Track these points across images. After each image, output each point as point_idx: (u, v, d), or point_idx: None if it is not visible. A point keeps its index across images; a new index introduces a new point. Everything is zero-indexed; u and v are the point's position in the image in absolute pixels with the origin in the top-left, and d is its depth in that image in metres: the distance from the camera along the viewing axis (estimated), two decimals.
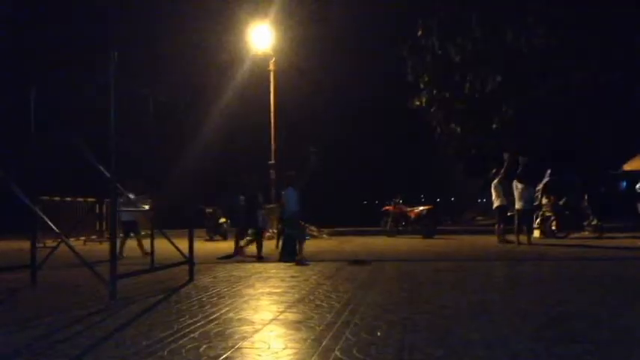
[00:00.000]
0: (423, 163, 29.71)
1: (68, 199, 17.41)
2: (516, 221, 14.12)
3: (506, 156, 14.79)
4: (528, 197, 14.27)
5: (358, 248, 13.55)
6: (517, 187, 14.17)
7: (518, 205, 14.13)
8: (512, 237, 14.22)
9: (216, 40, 23.67)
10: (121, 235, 12.05)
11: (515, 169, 14.51)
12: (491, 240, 15.07)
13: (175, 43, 24.58)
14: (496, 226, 15.00)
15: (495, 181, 14.65)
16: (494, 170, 15.00)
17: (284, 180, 11.95)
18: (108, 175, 6.61)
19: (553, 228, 16.07)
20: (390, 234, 19.00)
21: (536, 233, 16.07)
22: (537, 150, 21.95)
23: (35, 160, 8.23)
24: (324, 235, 19.22)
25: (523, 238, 13.89)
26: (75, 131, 7.24)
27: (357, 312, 5.42)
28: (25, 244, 8.91)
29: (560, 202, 16.22)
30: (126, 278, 7.07)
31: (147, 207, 10.69)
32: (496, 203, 14.59)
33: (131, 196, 10.19)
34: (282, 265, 9.97)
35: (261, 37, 20.30)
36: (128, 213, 11.73)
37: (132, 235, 12.36)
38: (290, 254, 10.71)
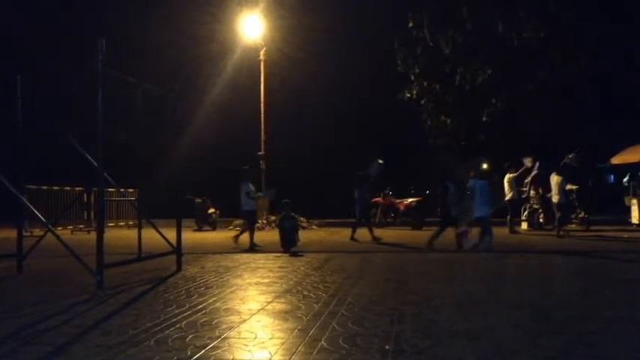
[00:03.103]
0: (413, 154, 29.74)
1: (56, 188, 17.29)
2: (558, 214, 14.18)
3: (526, 160, 15.13)
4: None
5: (347, 239, 13.56)
6: (556, 180, 14.14)
7: (556, 199, 14.15)
8: (520, 228, 15.07)
9: (206, 29, 23.47)
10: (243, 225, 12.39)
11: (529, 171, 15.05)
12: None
13: (165, 32, 24.37)
14: (508, 218, 15.30)
15: (511, 175, 15.06)
16: (507, 164, 15.41)
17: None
18: (95, 164, 6.57)
19: (540, 220, 16.19)
20: (379, 225, 19.04)
21: (524, 225, 16.19)
22: (526, 143, 22.06)
23: (22, 149, 8.16)
24: (314, 227, 19.24)
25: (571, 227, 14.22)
26: (62, 120, 7.18)
27: (344, 303, 5.44)
28: (12, 233, 8.85)
29: (548, 195, 16.32)
30: (113, 268, 7.05)
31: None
32: (508, 196, 14.97)
33: (252, 187, 11.08)
34: (270, 255, 9.97)
35: (251, 27, 20.18)
36: (251, 203, 11.85)
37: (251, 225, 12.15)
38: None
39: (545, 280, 7.29)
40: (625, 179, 14.49)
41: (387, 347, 3.84)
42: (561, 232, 13.75)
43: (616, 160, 18.18)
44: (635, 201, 16.36)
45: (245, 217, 12.26)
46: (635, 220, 16.22)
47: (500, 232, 15.23)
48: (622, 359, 3.64)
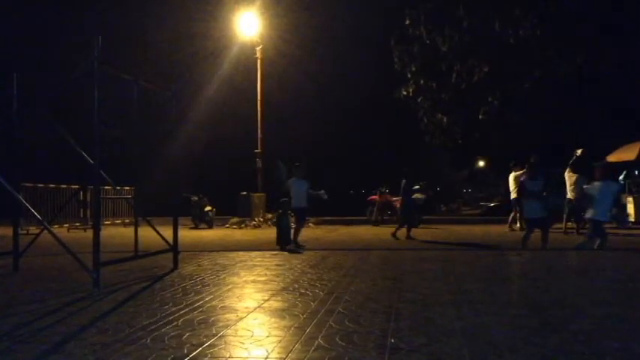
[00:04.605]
0: (410, 153, 29.77)
1: (52, 185, 17.25)
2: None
3: (533, 158, 15.17)
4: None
5: (344, 237, 13.59)
6: (570, 177, 14.05)
7: (571, 196, 14.10)
8: (516, 226, 15.08)
9: (203, 27, 23.44)
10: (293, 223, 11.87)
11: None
12: (476, 229, 15.20)
13: (161, 30, 24.33)
14: (511, 215, 15.53)
15: (517, 173, 15.11)
16: (513, 162, 15.45)
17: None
18: (91, 161, 6.55)
19: None
20: (375, 223, 19.09)
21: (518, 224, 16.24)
22: (522, 142, 22.13)
23: (18, 147, 8.13)
24: (311, 224, 19.25)
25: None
26: (58, 117, 7.16)
27: (341, 300, 5.45)
28: (8, 231, 8.83)
29: (544, 194, 16.38)
30: (109, 265, 7.04)
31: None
32: (513, 195, 15.09)
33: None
34: (267, 253, 9.97)
35: (248, 25, 20.16)
36: (303, 200, 11.43)
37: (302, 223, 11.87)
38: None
39: (541, 278, 7.30)
40: (620, 177, 14.54)
41: (392, 340, 3.86)
42: (580, 230, 13.84)
43: (611, 158, 18.24)
44: (630, 199, 16.43)
45: (297, 214, 11.74)
46: (630, 218, 16.28)
47: (496, 229, 15.33)
48: (617, 356, 3.65)
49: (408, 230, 13.51)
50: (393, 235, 13.34)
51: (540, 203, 10.47)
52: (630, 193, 16.59)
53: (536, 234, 10.60)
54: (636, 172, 17.80)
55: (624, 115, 22.72)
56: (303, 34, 24.06)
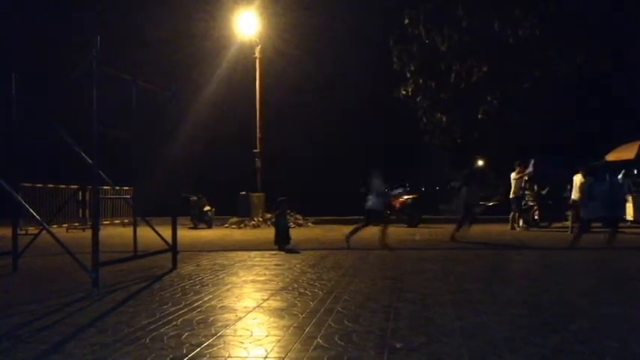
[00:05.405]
0: (410, 152, 29.80)
1: (50, 185, 17.23)
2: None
3: (532, 161, 15.33)
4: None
5: (343, 237, 13.54)
6: (578, 180, 13.96)
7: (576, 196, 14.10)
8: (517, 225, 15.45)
9: (202, 26, 23.44)
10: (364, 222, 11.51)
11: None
12: (475, 229, 15.18)
13: (160, 29, 24.32)
14: (511, 214, 15.80)
15: (515, 174, 15.47)
16: (517, 162, 15.72)
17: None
18: (90, 161, 6.54)
19: (536, 217, 16.27)
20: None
21: (520, 222, 16.25)
22: (522, 142, 22.14)
23: (17, 147, 8.12)
24: (310, 224, 19.25)
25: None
26: (58, 117, 7.15)
27: (340, 300, 5.44)
28: (7, 231, 8.82)
29: (544, 192, 16.40)
30: (108, 266, 7.03)
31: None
32: (512, 195, 15.54)
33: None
34: (266, 253, 9.97)
35: (246, 24, 20.15)
36: (378, 202, 11.11)
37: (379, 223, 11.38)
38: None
39: (541, 277, 7.31)
40: (619, 176, 14.50)
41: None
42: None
43: (610, 157, 18.22)
44: (629, 198, 16.40)
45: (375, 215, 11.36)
46: (629, 217, 16.27)
47: (496, 229, 15.32)
48: (616, 356, 3.65)
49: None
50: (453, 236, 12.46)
51: (604, 204, 10.42)
52: (630, 192, 16.55)
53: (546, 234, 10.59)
54: (635, 171, 17.75)
55: (624, 115, 22.73)
56: (302, 33, 24.04)
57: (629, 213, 16.35)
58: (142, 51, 22.95)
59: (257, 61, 20.49)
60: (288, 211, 11.55)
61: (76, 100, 7.31)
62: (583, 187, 13.07)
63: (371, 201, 11.03)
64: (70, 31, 22.61)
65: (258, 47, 20.54)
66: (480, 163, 28.74)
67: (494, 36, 22.23)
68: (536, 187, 16.38)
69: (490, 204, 22.65)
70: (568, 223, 15.84)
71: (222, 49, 22.06)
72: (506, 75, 22.71)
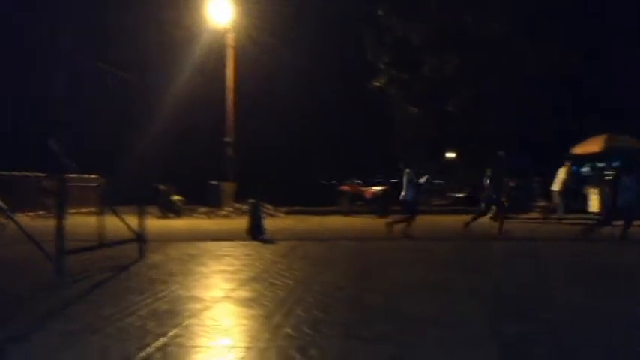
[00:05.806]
0: (382, 144, 29.88)
1: (16, 174, 16.83)
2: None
3: (501, 154, 15.32)
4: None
5: (314, 227, 13.59)
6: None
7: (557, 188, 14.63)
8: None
9: (172, 14, 22.98)
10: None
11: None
12: (446, 220, 15.37)
13: (128, 16, 23.74)
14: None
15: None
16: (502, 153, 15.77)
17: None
18: (55, 149, 6.39)
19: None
20: (345, 213, 19.13)
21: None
22: (492, 135, 22.38)
23: None
24: (281, 214, 19.19)
25: None
26: (25, 104, 6.97)
27: (309, 290, 5.43)
28: None
29: (512, 185, 16.63)
30: (74, 254, 6.89)
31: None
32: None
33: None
34: (237, 243, 9.90)
35: (219, 12, 19.87)
36: (411, 194, 10.88)
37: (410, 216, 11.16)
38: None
39: (511, 267, 7.41)
40: (585, 169, 14.82)
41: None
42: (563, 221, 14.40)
43: (577, 150, 18.54)
44: (596, 190, 16.73)
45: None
46: (593, 209, 16.60)
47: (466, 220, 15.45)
48: (587, 347, 3.72)
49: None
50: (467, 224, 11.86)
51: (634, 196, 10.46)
52: (596, 185, 16.88)
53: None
54: (599, 165, 18.14)
55: (597, 112, 23.16)
56: (275, 22, 23.79)
57: (593, 205, 16.70)
58: (108, 38, 22.40)
59: (229, 49, 20.27)
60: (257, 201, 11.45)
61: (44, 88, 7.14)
62: (566, 180, 13.62)
63: (405, 192, 10.99)
64: (38, 18, 21.99)
65: (231, 35, 20.31)
66: (451, 155, 29.03)
67: (468, 30, 22.38)
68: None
69: (459, 196, 22.84)
70: (534, 215, 16.11)
71: (194, 37, 21.72)
72: (479, 69, 22.85)
